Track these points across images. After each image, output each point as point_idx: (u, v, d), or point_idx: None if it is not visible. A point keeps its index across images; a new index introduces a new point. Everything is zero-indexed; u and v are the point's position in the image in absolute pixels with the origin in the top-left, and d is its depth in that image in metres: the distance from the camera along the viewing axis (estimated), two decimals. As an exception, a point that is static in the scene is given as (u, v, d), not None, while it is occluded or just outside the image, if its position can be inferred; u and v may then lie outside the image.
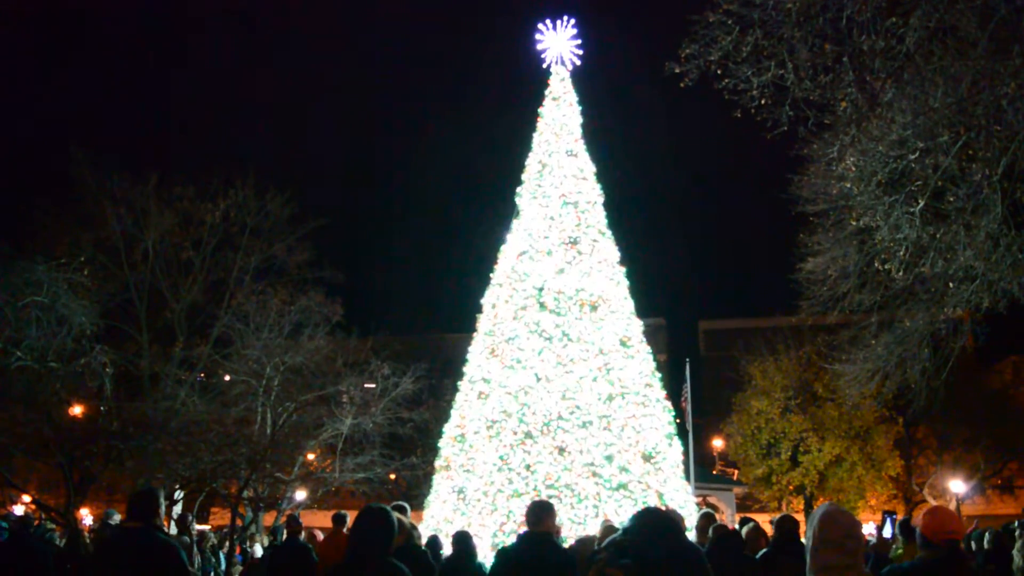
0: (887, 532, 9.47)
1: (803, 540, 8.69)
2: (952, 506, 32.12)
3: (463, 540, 8.66)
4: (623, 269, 18.62)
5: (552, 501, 14.59)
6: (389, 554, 4.68)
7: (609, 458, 15.79)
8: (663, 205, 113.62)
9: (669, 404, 17.84)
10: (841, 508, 4.04)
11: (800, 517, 36.47)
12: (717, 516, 9.56)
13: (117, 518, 14.46)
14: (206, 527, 26.96)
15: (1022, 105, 11.30)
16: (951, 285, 14.32)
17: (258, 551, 20.66)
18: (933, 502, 34.95)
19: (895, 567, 4.93)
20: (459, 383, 18.38)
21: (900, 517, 15.18)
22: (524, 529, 6.82)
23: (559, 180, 18.96)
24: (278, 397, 24.30)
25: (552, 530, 6.89)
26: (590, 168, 19.43)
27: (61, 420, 20.68)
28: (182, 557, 5.90)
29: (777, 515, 9.57)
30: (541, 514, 6.73)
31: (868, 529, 18.61)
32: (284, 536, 19.41)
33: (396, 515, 5.71)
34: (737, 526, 11.09)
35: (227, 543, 20.20)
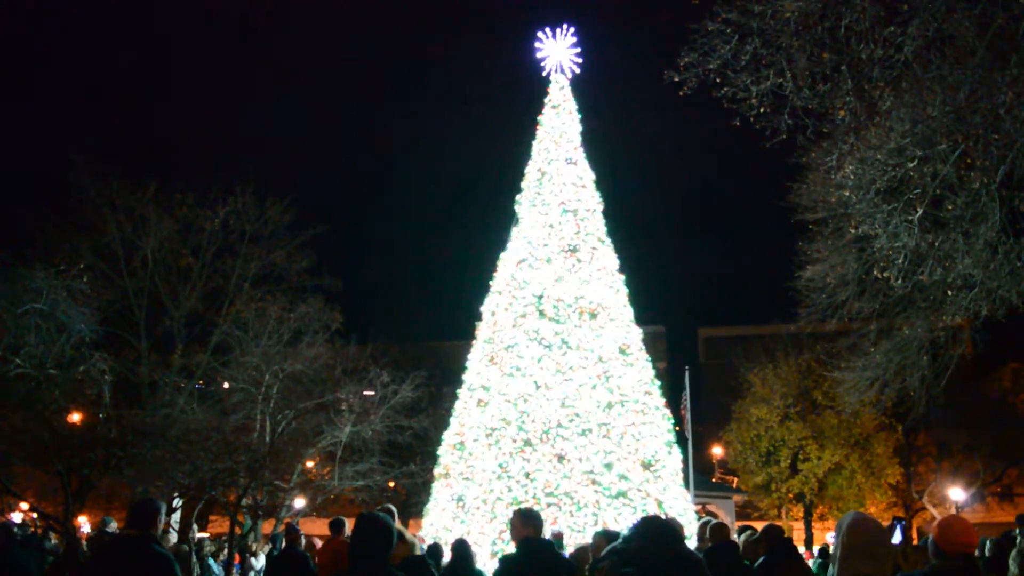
0: (896, 539, 9.47)
1: (797, 545, 8.71)
2: (951, 513, 32.06)
3: (461, 548, 8.66)
4: (622, 277, 18.66)
5: (551, 509, 14.73)
6: (388, 561, 4.69)
7: (608, 466, 15.78)
8: (662, 213, 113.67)
9: (668, 412, 17.85)
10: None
11: (799, 525, 36.58)
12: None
13: (114, 526, 14.46)
14: (204, 535, 26.92)
15: (1020, 113, 11.34)
16: (950, 293, 14.35)
17: (261, 559, 20.62)
18: (933, 510, 34.95)
19: (906, 575, 4.91)
20: (458, 391, 18.39)
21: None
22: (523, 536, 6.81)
23: (558, 188, 19.00)
24: (277, 405, 24.27)
25: (539, 535, 6.88)
26: (589, 176, 19.49)
27: (60, 427, 20.58)
28: (175, 569, 5.88)
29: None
30: (538, 521, 6.75)
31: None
32: (283, 544, 19.43)
33: (398, 527, 5.71)
34: (736, 534, 11.08)
35: (226, 551, 20.17)
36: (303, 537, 11.90)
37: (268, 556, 19.38)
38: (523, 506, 10.62)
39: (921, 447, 37.18)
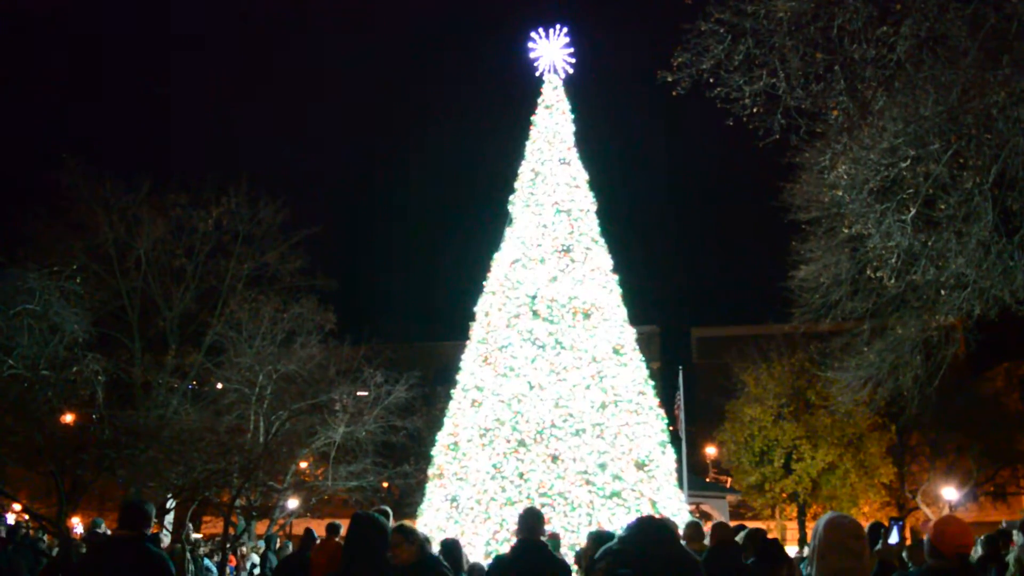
0: (893, 539, 9.44)
1: (792, 545, 8.72)
2: (945, 513, 32.15)
3: (451, 549, 8.55)
4: (616, 277, 18.66)
5: (545, 509, 14.71)
6: (383, 561, 4.68)
7: (602, 466, 15.78)
8: (656, 213, 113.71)
9: (662, 412, 17.86)
10: (846, 515, 4.07)
11: (793, 524, 36.61)
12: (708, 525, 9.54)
13: (105, 527, 14.42)
14: (198, 535, 26.88)
15: (1012, 113, 11.37)
16: (943, 292, 14.37)
17: (254, 559, 20.61)
18: (926, 509, 35.01)
19: (903, 574, 4.92)
20: (452, 391, 18.38)
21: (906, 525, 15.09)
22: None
23: (552, 188, 19.01)
24: (271, 405, 24.23)
25: (540, 536, 6.86)
26: (583, 176, 19.50)
27: (53, 428, 20.54)
28: (170, 568, 5.88)
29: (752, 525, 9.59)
30: (534, 522, 6.72)
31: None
32: (277, 545, 19.38)
33: (409, 523, 5.69)
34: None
35: (220, 552, 20.14)
36: (317, 540, 11.87)
37: (262, 557, 19.35)
38: (529, 506, 10.61)
39: (914, 447, 37.24)
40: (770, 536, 9.62)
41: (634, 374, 17.55)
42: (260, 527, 27.33)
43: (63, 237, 26.24)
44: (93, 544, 11.89)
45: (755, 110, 12.58)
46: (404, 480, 27.71)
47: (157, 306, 28.42)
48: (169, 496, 21.87)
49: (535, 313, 17.44)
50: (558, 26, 20.56)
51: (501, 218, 19.71)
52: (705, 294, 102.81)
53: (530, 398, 16.48)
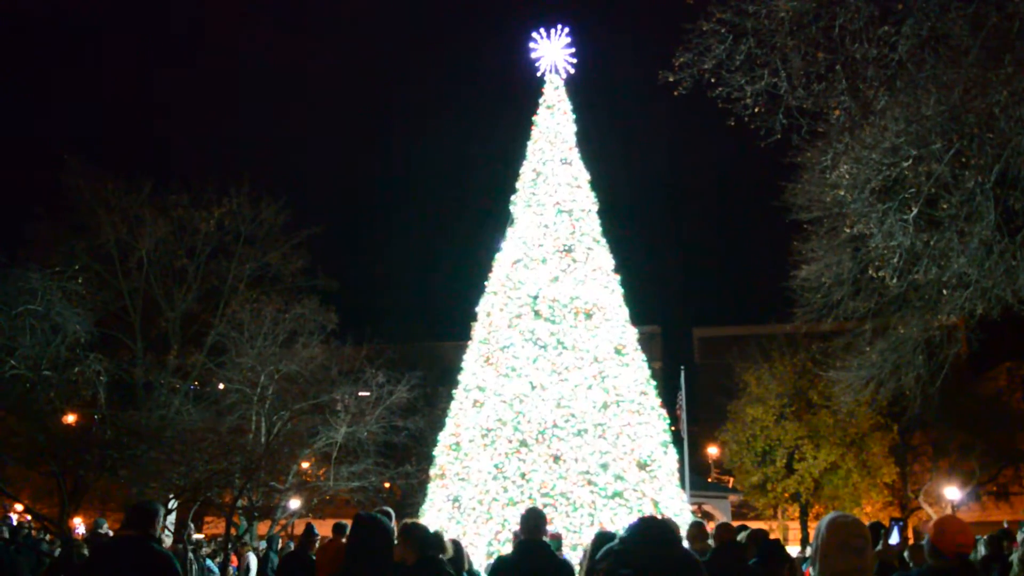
0: (894, 539, 9.41)
1: (794, 545, 8.72)
2: (947, 512, 32.10)
3: (452, 549, 8.52)
4: (617, 277, 18.65)
5: (547, 510, 14.70)
6: (387, 561, 4.67)
7: (604, 466, 15.77)
8: (657, 213, 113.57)
9: (664, 412, 17.84)
10: (848, 515, 4.07)
11: (795, 524, 36.57)
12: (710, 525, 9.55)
13: (107, 527, 14.42)
14: (200, 536, 26.89)
15: (1014, 112, 11.35)
16: (945, 292, 14.34)
17: (252, 559, 20.61)
18: (929, 509, 34.98)
19: (903, 574, 4.90)
20: (454, 391, 18.38)
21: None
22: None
23: (553, 188, 19.00)
24: (272, 406, 24.25)
25: (542, 536, 6.84)
26: (584, 176, 19.49)
27: (55, 429, 20.61)
28: (175, 568, 5.87)
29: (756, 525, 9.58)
30: (536, 522, 6.71)
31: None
32: (279, 545, 19.35)
33: (414, 521, 5.67)
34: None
35: (222, 552, 20.16)
36: (318, 540, 11.86)
37: (263, 557, 19.33)
38: (531, 506, 10.58)
39: (917, 446, 37.22)
40: (772, 536, 9.62)
41: (636, 374, 17.54)
42: (262, 527, 27.35)
43: (65, 238, 26.30)
44: (97, 544, 11.88)
45: (757, 110, 12.58)
46: (406, 480, 27.72)
47: (159, 306, 28.46)
48: (171, 496, 21.93)
49: (537, 313, 17.43)
50: (559, 26, 20.58)
51: (503, 218, 19.72)
52: (706, 294, 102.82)
53: (532, 398, 16.48)
